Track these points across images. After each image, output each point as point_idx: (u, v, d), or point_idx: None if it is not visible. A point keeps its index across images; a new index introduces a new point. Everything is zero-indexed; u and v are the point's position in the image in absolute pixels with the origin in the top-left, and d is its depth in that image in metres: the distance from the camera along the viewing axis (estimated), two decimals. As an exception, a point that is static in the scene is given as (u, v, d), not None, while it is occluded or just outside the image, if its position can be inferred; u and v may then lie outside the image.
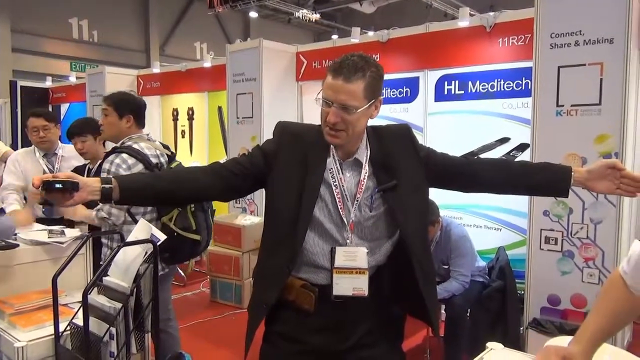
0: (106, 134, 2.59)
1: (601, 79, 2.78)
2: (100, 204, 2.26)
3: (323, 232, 1.45)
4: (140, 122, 2.56)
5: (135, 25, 15.49)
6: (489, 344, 1.31)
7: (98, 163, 3.05)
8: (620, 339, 2.90)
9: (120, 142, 2.51)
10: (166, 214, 2.40)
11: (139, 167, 2.38)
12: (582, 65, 2.83)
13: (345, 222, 1.45)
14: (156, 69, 6.67)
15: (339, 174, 1.46)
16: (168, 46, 16.27)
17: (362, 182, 1.46)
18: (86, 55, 14.22)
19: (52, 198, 1.30)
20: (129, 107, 2.51)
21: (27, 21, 12.92)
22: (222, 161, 1.58)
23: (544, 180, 1.51)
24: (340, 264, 1.43)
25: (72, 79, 8.47)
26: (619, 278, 1.13)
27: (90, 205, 2.34)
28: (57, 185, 1.26)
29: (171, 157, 2.57)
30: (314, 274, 1.46)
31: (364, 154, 1.48)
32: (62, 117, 8.07)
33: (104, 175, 2.32)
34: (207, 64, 5.89)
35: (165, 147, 2.62)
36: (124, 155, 2.38)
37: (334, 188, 1.45)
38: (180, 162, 2.64)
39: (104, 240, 2.48)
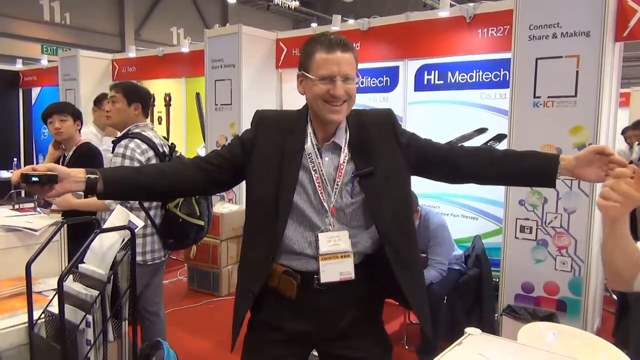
0: (114, 120, 2.61)
1: (577, 71, 2.83)
2: None
3: (303, 218, 1.43)
4: (146, 111, 2.62)
5: (109, 7, 15.05)
6: (467, 329, 1.32)
7: (73, 150, 2.98)
8: (590, 324, 3.00)
9: (127, 129, 2.52)
10: (171, 201, 2.44)
11: (151, 154, 2.44)
12: (559, 57, 2.87)
13: (326, 207, 1.43)
14: (132, 53, 6.51)
15: (317, 158, 1.43)
16: (144, 30, 15.87)
17: (342, 166, 1.44)
18: (58, 38, 13.75)
19: (31, 190, 1.30)
20: (137, 96, 2.56)
21: (-4, 2, 12.44)
22: (199, 148, 1.57)
23: (530, 167, 1.43)
24: (325, 250, 1.41)
25: (44, 62, 8.20)
26: None
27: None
28: (34, 179, 1.25)
29: (172, 148, 2.60)
30: (295, 261, 1.45)
31: (342, 138, 1.46)
32: (33, 101, 7.84)
33: (117, 160, 2.37)
34: (185, 49, 5.78)
35: (165, 138, 2.69)
36: (137, 141, 2.42)
37: (313, 173, 1.42)
38: (181, 153, 2.72)
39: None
